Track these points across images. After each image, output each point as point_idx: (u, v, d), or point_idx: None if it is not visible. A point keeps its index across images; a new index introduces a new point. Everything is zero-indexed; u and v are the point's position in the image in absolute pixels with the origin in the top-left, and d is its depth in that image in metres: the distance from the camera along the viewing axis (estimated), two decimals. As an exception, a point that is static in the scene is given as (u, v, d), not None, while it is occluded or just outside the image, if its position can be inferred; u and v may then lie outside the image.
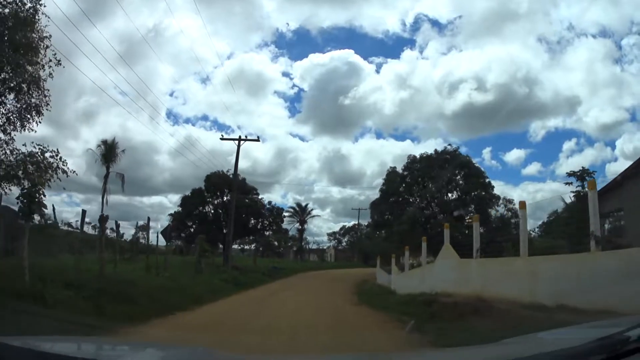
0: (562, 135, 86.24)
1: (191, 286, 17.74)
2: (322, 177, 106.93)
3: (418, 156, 38.64)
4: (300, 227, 74.33)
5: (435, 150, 38.73)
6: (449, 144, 38.79)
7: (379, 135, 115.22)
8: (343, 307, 16.15)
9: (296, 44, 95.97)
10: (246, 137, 31.99)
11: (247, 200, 40.48)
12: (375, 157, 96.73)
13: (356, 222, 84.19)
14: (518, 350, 2.55)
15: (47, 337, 3.50)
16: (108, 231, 22.14)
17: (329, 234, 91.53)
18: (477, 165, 38.95)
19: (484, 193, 36.76)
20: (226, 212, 41.12)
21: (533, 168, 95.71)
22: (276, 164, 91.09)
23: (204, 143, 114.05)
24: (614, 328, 2.14)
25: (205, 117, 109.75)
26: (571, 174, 16.11)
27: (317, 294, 21.64)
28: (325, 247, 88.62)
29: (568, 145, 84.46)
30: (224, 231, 40.46)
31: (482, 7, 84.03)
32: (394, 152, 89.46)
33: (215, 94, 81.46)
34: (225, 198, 41.92)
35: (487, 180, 37.91)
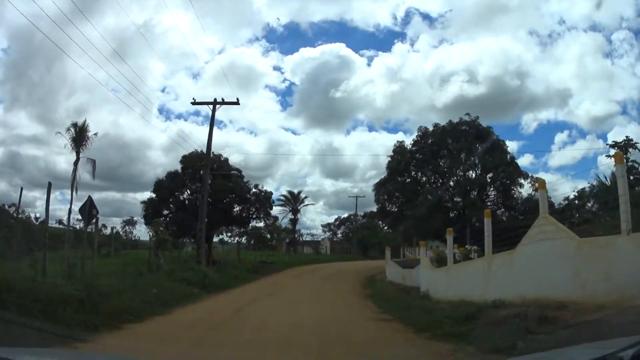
0: (554, 128, 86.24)
1: (121, 293, 11.14)
2: (314, 170, 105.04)
3: (430, 128, 32.02)
4: (293, 216, 67.61)
5: (450, 121, 32.04)
6: (467, 113, 31.79)
7: (370, 128, 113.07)
8: (365, 329, 9.53)
9: (287, 38, 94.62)
10: (223, 100, 25.18)
11: (230, 184, 33.69)
12: (367, 149, 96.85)
13: (352, 213, 78.57)
14: None
15: (22, 349, 3.49)
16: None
17: (323, 226, 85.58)
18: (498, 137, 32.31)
19: (511, 168, 30.27)
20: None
21: (525, 160, 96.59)
22: (268, 158, 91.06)
23: (195, 138, 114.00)
24: (608, 349, 2.12)
25: (197, 113, 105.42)
26: (613, 145, 14.00)
27: (317, 300, 15.08)
28: (320, 239, 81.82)
29: (560, 137, 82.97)
30: (205, 220, 33.83)
31: (472, 0, 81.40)
32: (386, 145, 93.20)
33: (206, 89, 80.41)
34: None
35: (509, 155, 31.44)
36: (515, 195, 30.69)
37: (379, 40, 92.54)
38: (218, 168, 35.59)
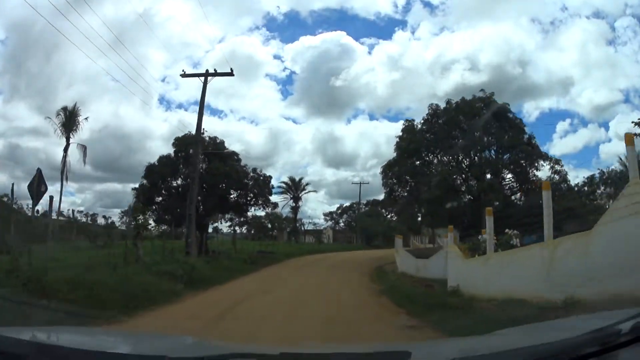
0: (555, 116, 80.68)
1: (73, 290, 8.60)
2: (315, 159, 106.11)
3: (442, 106, 29.29)
4: (294, 204, 64.97)
5: (463, 98, 29.27)
6: (481, 89, 29.05)
7: (371, 117, 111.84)
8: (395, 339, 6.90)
9: (287, 26, 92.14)
10: (215, 71, 22.50)
11: (226, 168, 31.07)
12: (368, 138, 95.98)
13: (354, 201, 76.00)
14: (509, 342, 2.39)
15: (41, 328, 3.78)
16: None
17: (325, 214, 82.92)
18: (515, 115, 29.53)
19: (530, 148, 27.60)
20: (200, 182, 31.83)
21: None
22: (269, 147, 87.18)
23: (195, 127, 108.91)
24: (606, 320, 2.03)
25: (197, 102, 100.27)
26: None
27: (323, 299, 12.33)
28: (322, 228, 79.25)
29: (562, 125, 79.08)
30: (201, 207, 31.27)
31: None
32: (387, 134, 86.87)
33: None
34: (201, 166, 32.52)
35: (526, 135, 28.72)
36: (534, 179, 28.09)
37: (380, 29, 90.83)
38: (214, 151, 33.07)
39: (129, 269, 13.56)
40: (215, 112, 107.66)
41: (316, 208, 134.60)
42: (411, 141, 27.74)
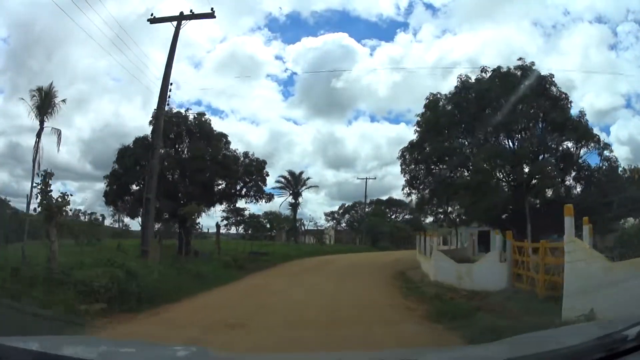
0: None
1: None
2: (316, 160, 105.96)
3: (473, 79, 23.73)
4: (294, 200, 57.12)
5: (499, 67, 23.68)
6: (519, 58, 23.62)
7: (372, 119, 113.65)
8: None
9: (289, 27, 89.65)
10: (192, 12, 16.81)
11: (210, 151, 25.58)
12: (369, 140, 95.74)
13: (357, 201, 70.26)
14: (517, 349, 2.44)
15: (43, 338, 3.50)
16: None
17: (326, 214, 76.61)
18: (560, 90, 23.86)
19: (579, 129, 21.99)
20: (180, 167, 26.15)
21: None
22: (270, 148, 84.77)
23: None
24: (612, 327, 2.07)
25: (198, 102, 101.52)
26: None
27: (342, 341, 6.38)
28: (323, 228, 73.12)
29: None
30: (181, 198, 25.77)
31: (476, -11, 79.85)
32: (388, 135, 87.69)
33: (208, 78, 76.08)
34: (181, 147, 27.03)
35: (574, 113, 23.17)
36: (584, 164, 22.55)
37: (382, 30, 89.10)
38: (199, 131, 27.50)
39: (29, 274, 8.09)
40: (216, 112, 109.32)
41: (317, 210, 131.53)
42: (439, 117, 22.19)
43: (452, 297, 11.11)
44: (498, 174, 21.53)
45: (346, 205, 74.70)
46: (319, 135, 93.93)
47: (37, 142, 35.53)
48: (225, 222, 71.60)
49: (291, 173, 55.51)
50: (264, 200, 26.36)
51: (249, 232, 68.87)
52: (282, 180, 55.77)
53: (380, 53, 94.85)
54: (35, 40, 61.04)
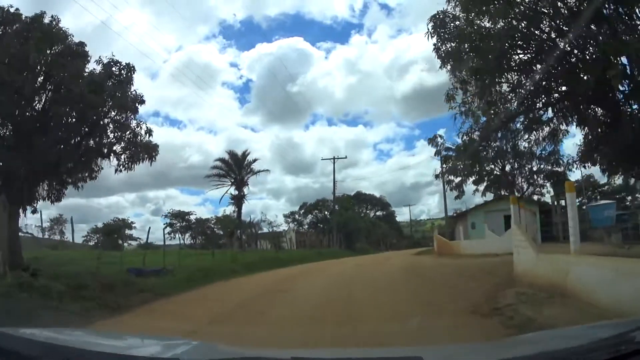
0: None
1: None
2: (274, 167, 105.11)
3: None
4: (237, 192, 40.16)
5: None
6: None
7: (330, 122, 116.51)
8: None
9: (243, 34, 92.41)
10: None
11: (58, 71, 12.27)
12: (327, 143, 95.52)
13: (320, 199, 57.95)
14: (521, 349, 2.38)
15: (52, 329, 3.26)
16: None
17: (285, 215, 63.65)
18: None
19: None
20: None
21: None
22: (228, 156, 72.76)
23: (155, 138, 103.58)
24: (618, 328, 2.02)
25: (156, 114, 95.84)
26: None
27: None
28: (282, 230, 58.96)
29: None
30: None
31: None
32: (346, 138, 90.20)
33: (164, 89, 75.43)
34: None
35: None
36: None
37: (337, 33, 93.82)
38: (46, 40, 13.86)
39: None
40: (175, 123, 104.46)
41: (277, 216, 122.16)
42: None
43: None
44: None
45: (308, 204, 61.99)
46: (277, 141, 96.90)
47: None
48: (169, 229, 57.43)
49: (232, 154, 40.57)
50: (144, 159, 12.97)
51: (202, 240, 56.43)
52: (221, 164, 40.63)
53: (335, 55, 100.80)
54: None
